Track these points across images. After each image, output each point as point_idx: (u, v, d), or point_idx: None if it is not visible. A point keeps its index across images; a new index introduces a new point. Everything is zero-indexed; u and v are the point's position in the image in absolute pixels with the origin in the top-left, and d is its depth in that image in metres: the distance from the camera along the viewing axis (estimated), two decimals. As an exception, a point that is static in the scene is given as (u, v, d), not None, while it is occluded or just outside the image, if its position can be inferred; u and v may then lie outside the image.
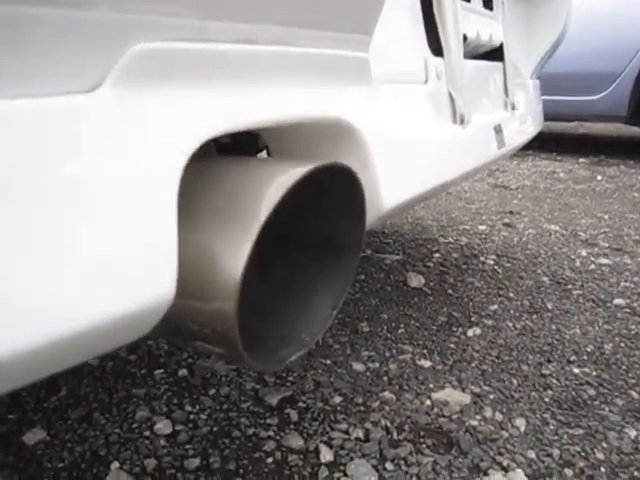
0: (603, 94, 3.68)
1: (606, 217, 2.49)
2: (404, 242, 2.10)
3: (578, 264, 1.88)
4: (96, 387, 1.11)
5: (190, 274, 0.43)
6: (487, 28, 1.03)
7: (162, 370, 1.18)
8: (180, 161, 0.41)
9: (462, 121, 0.87)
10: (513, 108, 1.19)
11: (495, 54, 1.14)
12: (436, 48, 0.86)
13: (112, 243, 0.36)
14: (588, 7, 3.42)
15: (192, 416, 1.03)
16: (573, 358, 1.26)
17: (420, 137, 0.77)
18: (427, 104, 0.81)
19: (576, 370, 1.21)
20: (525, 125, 1.36)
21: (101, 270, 0.36)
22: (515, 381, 1.17)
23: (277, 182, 0.44)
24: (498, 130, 1.07)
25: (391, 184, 0.65)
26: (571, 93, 3.74)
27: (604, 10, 3.57)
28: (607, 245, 2.08)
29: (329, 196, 0.54)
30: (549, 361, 1.25)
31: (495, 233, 2.23)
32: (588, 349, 1.31)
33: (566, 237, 2.19)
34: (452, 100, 0.87)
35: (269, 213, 0.42)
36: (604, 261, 1.91)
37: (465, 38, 0.93)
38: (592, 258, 1.94)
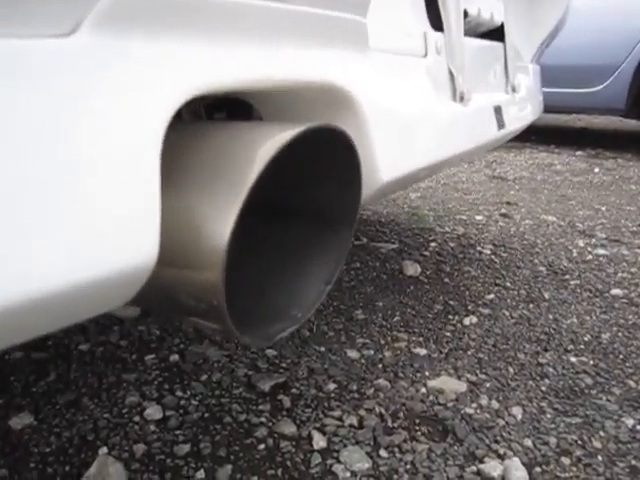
0: (601, 87, 3.66)
1: (603, 209, 2.48)
2: (400, 231, 2.08)
3: (575, 254, 1.87)
4: (85, 372, 1.09)
5: (175, 241, 0.40)
6: (488, 6, 1.01)
7: (153, 355, 1.16)
8: (163, 116, 0.38)
9: (462, 99, 0.85)
10: (514, 90, 1.17)
11: (495, 35, 1.12)
12: (436, 24, 0.84)
13: (87, 200, 0.34)
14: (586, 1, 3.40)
15: (183, 402, 1.01)
16: (570, 347, 1.25)
17: (418, 111, 0.75)
18: (426, 79, 0.78)
19: (573, 359, 1.20)
20: (525, 109, 1.33)
21: (77, 230, 0.33)
22: (511, 370, 1.15)
23: (266, 144, 0.41)
24: (498, 111, 1.04)
25: (388, 157, 0.63)
26: (569, 85, 3.72)
27: (602, 2, 3.54)
28: (604, 236, 2.07)
29: (323, 164, 0.52)
30: (546, 350, 1.24)
31: (492, 223, 2.22)
32: (585, 338, 1.29)
33: (563, 228, 2.17)
34: (452, 77, 0.85)
35: (257, 176, 0.40)
36: (601, 252, 1.90)
37: (466, 14, 0.91)
38: (589, 249, 1.93)
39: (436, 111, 0.80)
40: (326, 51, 0.53)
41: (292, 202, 0.56)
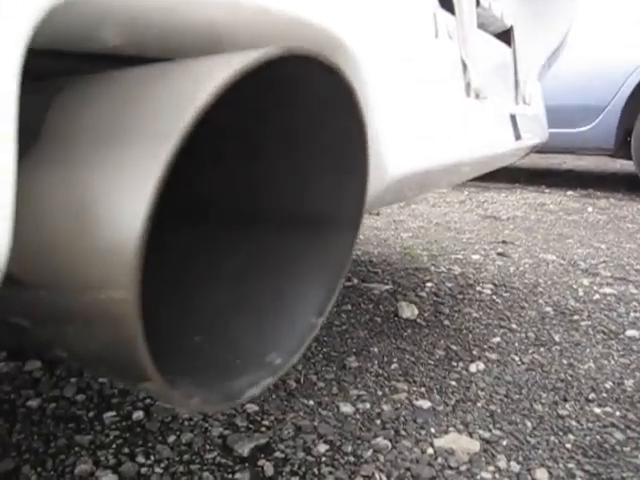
0: (589, 127, 3.63)
1: (603, 247, 2.37)
2: (393, 271, 1.95)
3: (581, 294, 1.74)
4: (31, 434, 0.92)
5: (48, 240, 0.26)
6: (499, 3, 0.91)
7: (114, 413, 0.99)
8: (14, 45, 0.24)
9: (477, 96, 0.74)
10: (524, 102, 1.06)
11: (504, 39, 1.02)
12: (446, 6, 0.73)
13: None
14: (575, 40, 3.41)
15: (144, 469, 0.84)
16: (592, 396, 1.10)
17: (429, 99, 0.63)
18: (437, 64, 0.67)
19: (597, 410, 1.05)
20: (537, 125, 1.23)
21: None
22: (529, 423, 1.00)
23: (201, 84, 0.27)
24: (514, 120, 0.93)
25: (397, 146, 0.50)
26: (557, 125, 3.69)
27: (589, 43, 3.56)
28: (609, 274, 1.95)
29: (308, 133, 0.38)
30: (565, 400, 1.09)
31: (490, 262, 2.10)
32: (607, 385, 1.15)
33: (565, 266, 2.06)
34: (465, 68, 0.73)
35: (187, 130, 0.25)
36: (608, 290, 1.78)
37: (478, 2, 0.81)
38: (595, 287, 1.81)
39: (448, 103, 0.68)
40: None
41: (269, 199, 0.41)
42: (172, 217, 0.42)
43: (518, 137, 0.94)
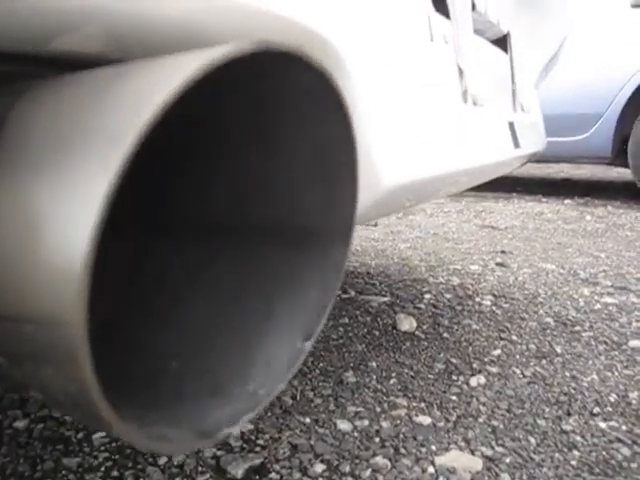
0: (586, 135, 3.63)
1: (602, 255, 2.35)
2: (391, 283, 1.92)
3: (582, 304, 1.71)
4: (17, 457, 0.89)
5: None
6: (495, 9, 0.89)
7: (103, 434, 0.96)
8: None
9: (474, 103, 0.72)
10: (522, 110, 1.04)
11: (501, 46, 1.00)
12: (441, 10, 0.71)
13: None
14: (571, 50, 3.41)
15: (134, 494, 0.81)
16: (596, 410, 1.07)
17: (424, 105, 0.60)
18: (432, 69, 0.64)
19: (602, 424, 1.02)
20: (535, 133, 1.21)
21: None
22: (533, 440, 0.97)
23: (161, 83, 0.24)
24: (512, 127, 0.91)
25: (390, 154, 0.47)
26: (554, 134, 3.68)
27: (586, 50, 3.56)
28: (610, 284, 1.93)
29: (294, 137, 0.35)
30: (569, 414, 1.06)
31: (488, 273, 2.07)
32: (611, 399, 1.12)
33: (564, 276, 2.03)
34: (461, 74, 0.71)
35: (141, 132, 0.23)
36: (609, 300, 1.75)
37: (474, 6, 0.79)
38: (596, 297, 1.78)
39: (444, 109, 0.66)
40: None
41: (253, 211, 0.38)
42: (150, 232, 0.40)
43: (517, 145, 0.91)
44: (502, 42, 1.01)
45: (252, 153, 0.37)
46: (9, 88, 0.30)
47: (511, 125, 0.92)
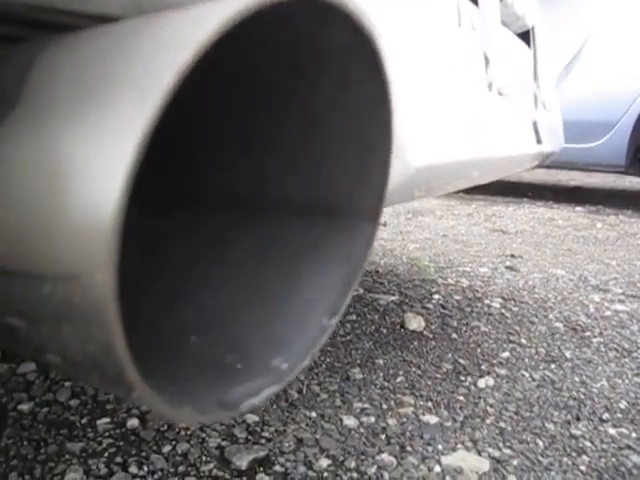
0: (600, 142, 3.59)
1: (613, 263, 2.33)
2: (400, 282, 1.91)
3: (592, 310, 1.69)
4: (21, 439, 0.89)
5: (16, 217, 0.23)
6: (521, 1, 0.87)
7: (108, 419, 0.95)
8: None
9: (499, 92, 0.70)
10: (544, 107, 1.03)
11: (525, 40, 0.99)
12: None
13: None
14: (587, 56, 3.38)
15: (137, 481, 0.80)
16: (606, 416, 1.06)
17: (451, 89, 0.59)
18: (459, 53, 0.63)
19: (612, 430, 1.01)
20: (556, 131, 1.19)
21: None
22: (541, 443, 0.96)
23: (199, 25, 0.23)
24: (534, 123, 0.90)
25: (417, 135, 0.46)
26: (568, 141, 3.66)
27: (602, 57, 3.53)
28: (621, 291, 1.90)
29: (324, 105, 0.33)
30: (578, 419, 1.04)
31: (498, 276, 2.05)
32: (621, 405, 1.10)
33: (575, 282, 2.01)
34: (487, 63, 0.70)
35: (181, 72, 0.21)
36: (620, 307, 1.73)
37: None
38: (606, 304, 1.76)
39: (470, 95, 0.64)
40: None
41: (280, 185, 0.37)
42: (173, 205, 0.39)
43: (539, 141, 0.90)
44: (526, 37, 1.00)
45: (285, 121, 0.36)
46: (28, 46, 0.29)
47: (534, 120, 0.90)
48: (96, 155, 0.22)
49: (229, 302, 0.36)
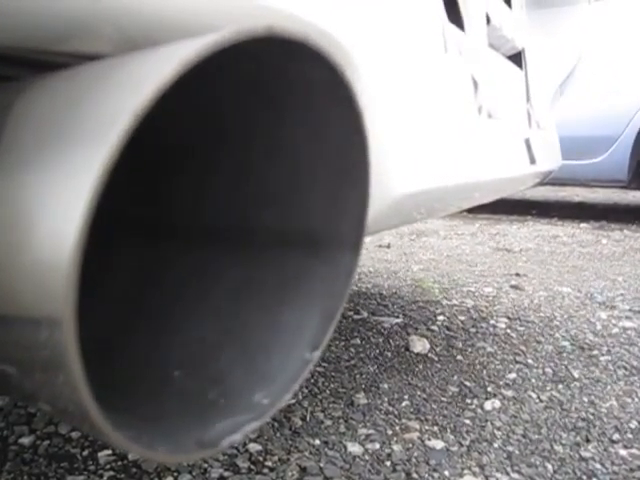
0: (602, 158, 3.60)
1: (620, 279, 2.31)
2: (404, 304, 1.90)
3: (599, 327, 1.67)
4: (21, 473, 0.88)
5: None
6: (510, 24, 0.89)
7: (109, 451, 0.94)
8: None
9: (489, 115, 0.70)
10: (538, 127, 1.03)
11: (516, 62, 1.00)
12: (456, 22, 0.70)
13: None
14: (585, 71, 3.40)
15: (138, 515, 0.79)
16: (616, 437, 1.04)
17: (438, 114, 0.59)
18: (448, 79, 0.63)
19: (622, 452, 0.99)
20: (551, 150, 1.19)
21: None
22: (550, 466, 0.94)
23: (146, 77, 0.23)
24: (527, 143, 0.90)
25: (401, 162, 0.46)
26: (569, 157, 3.66)
27: (602, 72, 3.55)
28: (628, 308, 1.88)
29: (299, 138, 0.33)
30: (587, 440, 1.02)
31: (503, 295, 2.04)
32: (632, 425, 1.08)
33: (581, 299, 1.99)
34: (476, 87, 0.70)
35: (128, 128, 0.21)
36: (628, 324, 1.71)
37: (488, 20, 0.78)
38: (614, 321, 1.74)
39: (459, 120, 0.65)
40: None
41: (259, 216, 0.37)
42: (151, 238, 0.39)
43: (533, 161, 0.90)
44: (517, 58, 1.01)
45: (256, 153, 0.36)
46: (8, 88, 0.30)
47: (526, 141, 0.91)
48: (54, 197, 0.22)
49: (212, 337, 0.36)
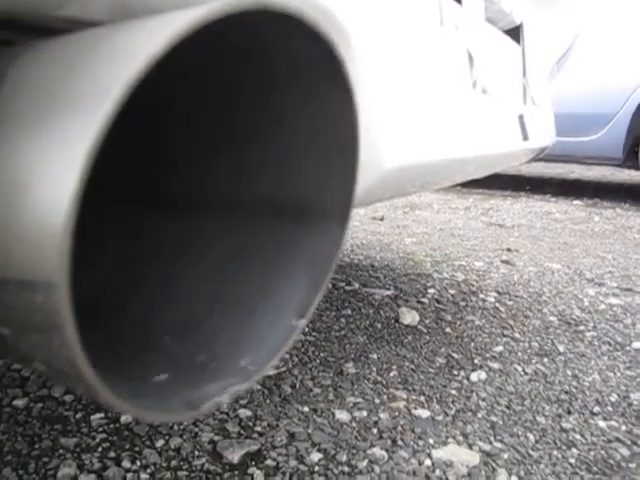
0: (598, 135, 3.59)
1: (609, 257, 2.33)
2: (395, 277, 1.91)
3: (587, 304, 1.70)
4: (15, 434, 0.89)
5: None
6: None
7: (102, 415, 0.96)
8: None
9: (484, 91, 0.70)
10: (533, 103, 1.03)
11: (513, 37, 0.99)
12: None
13: None
14: (584, 48, 3.37)
15: (129, 475, 0.81)
16: (596, 409, 1.06)
17: (431, 89, 0.59)
18: (442, 53, 0.63)
19: (602, 424, 1.02)
20: (546, 127, 1.19)
21: None
22: (532, 436, 0.96)
23: (143, 42, 0.23)
24: (521, 120, 0.90)
25: (392, 135, 0.47)
26: (565, 134, 3.65)
27: (600, 49, 3.52)
28: (615, 285, 1.91)
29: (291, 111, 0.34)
30: (569, 412, 1.05)
31: (493, 270, 2.06)
32: (612, 399, 1.11)
33: (570, 276, 2.02)
34: (471, 62, 0.70)
35: (123, 94, 0.22)
36: (614, 301, 1.74)
37: None
38: (601, 298, 1.77)
39: (452, 94, 0.65)
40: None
41: (250, 187, 0.38)
42: (147, 208, 0.40)
43: (526, 137, 0.90)
44: (515, 33, 1.00)
45: (249, 126, 0.36)
46: (2, 54, 0.30)
47: (520, 117, 0.91)
48: (49, 164, 0.22)
49: (202, 303, 0.37)
